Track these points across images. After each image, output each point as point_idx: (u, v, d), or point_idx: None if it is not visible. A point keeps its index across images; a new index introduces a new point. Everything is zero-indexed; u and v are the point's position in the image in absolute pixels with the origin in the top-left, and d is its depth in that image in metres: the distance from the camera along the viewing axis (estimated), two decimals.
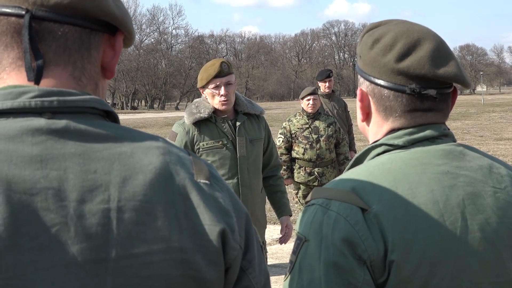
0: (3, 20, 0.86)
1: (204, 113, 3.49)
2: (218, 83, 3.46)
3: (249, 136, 3.59)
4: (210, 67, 3.51)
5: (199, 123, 3.51)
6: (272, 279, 5.16)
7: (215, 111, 3.53)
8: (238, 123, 3.58)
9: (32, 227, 0.77)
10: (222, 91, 3.46)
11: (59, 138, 0.83)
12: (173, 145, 0.93)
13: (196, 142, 3.49)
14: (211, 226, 0.87)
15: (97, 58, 0.92)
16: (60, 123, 0.84)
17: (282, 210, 3.82)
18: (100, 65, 0.94)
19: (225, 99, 3.47)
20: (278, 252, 6.19)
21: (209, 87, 3.48)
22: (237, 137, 3.54)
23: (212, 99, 3.50)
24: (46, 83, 0.87)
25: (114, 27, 0.93)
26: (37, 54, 0.85)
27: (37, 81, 0.85)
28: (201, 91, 3.58)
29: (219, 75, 3.47)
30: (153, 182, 0.85)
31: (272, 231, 6.82)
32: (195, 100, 3.67)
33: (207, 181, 0.91)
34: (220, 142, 3.51)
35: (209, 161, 3.44)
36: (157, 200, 0.84)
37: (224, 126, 3.53)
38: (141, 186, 0.84)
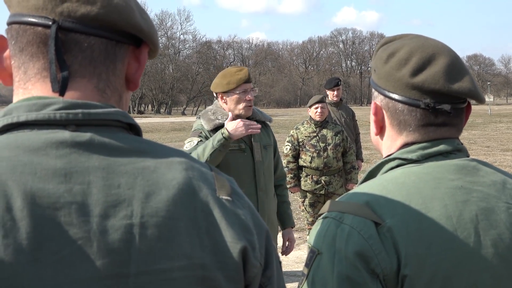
0: (29, 30, 0.86)
1: (222, 119, 3.52)
2: (247, 88, 3.53)
3: (262, 142, 3.65)
4: (238, 72, 3.56)
5: (217, 129, 3.53)
6: None
7: (232, 117, 3.56)
8: None
9: (55, 241, 0.77)
10: (250, 96, 3.53)
11: (83, 151, 0.82)
12: (195, 160, 0.93)
13: None
14: (232, 244, 0.87)
15: (122, 70, 0.92)
16: (85, 136, 0.83)
17: (287, 222, 3.86)
18: (124, 77, 0.93)
19: (250, 105, 3.54)
20: (284, 260, 6.18)
21: (237, 91, 3.52)
22: (253, 143, 3.59)
23: (237, 104, 3.53)
24: (71, 95, 0.87)
25: (140, 39, 0.93)
26: (63, 65, 0.85)
27: (62, 93, 0.85)
28: (220, 96, 3.58)
29: (248, 80, 3.54)
30: (176, 198, 0.85)
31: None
32: (208, 108, 3.68)
33: (229, 198, 0.91)
34: (239, 147, 3.55)
35: (230, 164, 3.48)
36: (179, 216, 0.84)
37: None
38: (164, 202, 0.84)
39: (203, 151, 3.30)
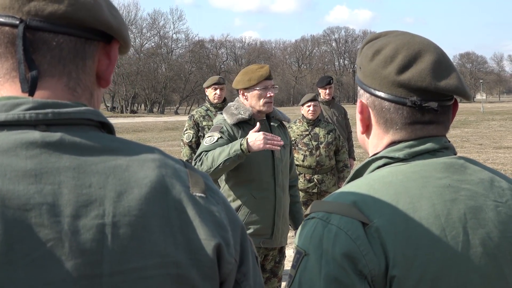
0: None
1: (245, 115, 3.58)
2: (267, 85, 3.59)
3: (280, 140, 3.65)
4: (259, 69, 3.62)
5: (239, 124, 3.59)
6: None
7: (253, 113, 3.62)
8: (273, 125, 3.70)
9: (26, 243, 0.76)
10: (271, 92, 3.58)
11: (54, 151, 0.81)
12: (169, 157, 0.92)
13: (239, 139, 3.52)
14: (206, 241, 0.86)
15: (92, 67, 0.91)
16: (55, 135, 0.82)
17: (300, 222, 3.92)
18: (95, 74, 0.92)
19: (271, 101, 3.61)
20: None
21: (257, 88, 3.57)
22: None
23: (258, 100, 3.59)
24: (41, 95, 0.85)
25: (110, 35, 0.92)
26: (32, 65, 0.84)
27: (31, 93, 0.84)
28: (241, 92, 3.64)
29: (269, 77, 3.60)
30: (148, 196, 0.84)
31: None
32: (230, 104, 3.73)
33: (202, 194, 0.90)
34: None
35: (251, 158, 3.49)
36: (152, 214, 0.84)
37: (262, 129, 3.60)
38: (136, 201, 0.83)
39: (218, 155, 3.33)
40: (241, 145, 3.27)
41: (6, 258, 0.75)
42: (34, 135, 0.82)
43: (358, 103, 1.23)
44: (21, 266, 0.75)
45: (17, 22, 0.84)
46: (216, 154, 3.33)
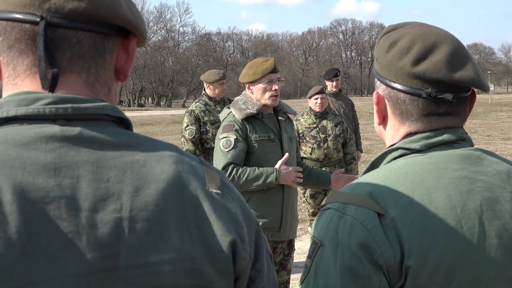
0: (17, 26, 0.86)
1: (253, 109, 3.57)
2: (272, 78, 3.58)
3: (287, 134, 3.70)
4: (264, 63, 3.61)
5: (248, 119, 3.59)
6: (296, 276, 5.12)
7: (261, 108, 3.62)
8: (281, 119, 3.71)
9: (45, 235, 0.77)
10: (276, 86, 3.57)
11: (73, 145, 0.82)
12: (186, 154, 0.93)
13: (249, 133, 3.56)
14: (221, 237, 0.87)
15: (111, 63, 0.92)
16: (74, 130, 0.83)
17: (326, 175, 3.91)
18: (114, 68, 0.93)
19: (276, 94, 3.59)
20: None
21: (262, 81, 3.57)
22: (282, 133, 3.66)
23: (263, 94, 3.59)
24: (60, 90, 0.86)
25: (128, 30, 0.93)
26: (53, 62, 0.85)
27: (51, 90, 0.85)
28: (247, 86, 3.64)
29: (274, 71, 3.59)
30: (165, 191, 0.85)
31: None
32: (237, 98, 3.73)
33: (218, 191, 0.91)
34: (268, 137, 3.61)
35: (260, 153, 3.55)
36: (169, 210, 0.84)
37: (270, 123, 3.63)
38: (153, 196, 0.84)
39: (251, 180, 3.46)
40: (276, 179, 3.45)
41: (25, 249, 0.76)
42: (54, 129, 0.82)
43: (374, 95, 1.24)
44: (39, 258, 0.76)
45: (38, 19, 0.84)
46: (249, 179, 3.45)
